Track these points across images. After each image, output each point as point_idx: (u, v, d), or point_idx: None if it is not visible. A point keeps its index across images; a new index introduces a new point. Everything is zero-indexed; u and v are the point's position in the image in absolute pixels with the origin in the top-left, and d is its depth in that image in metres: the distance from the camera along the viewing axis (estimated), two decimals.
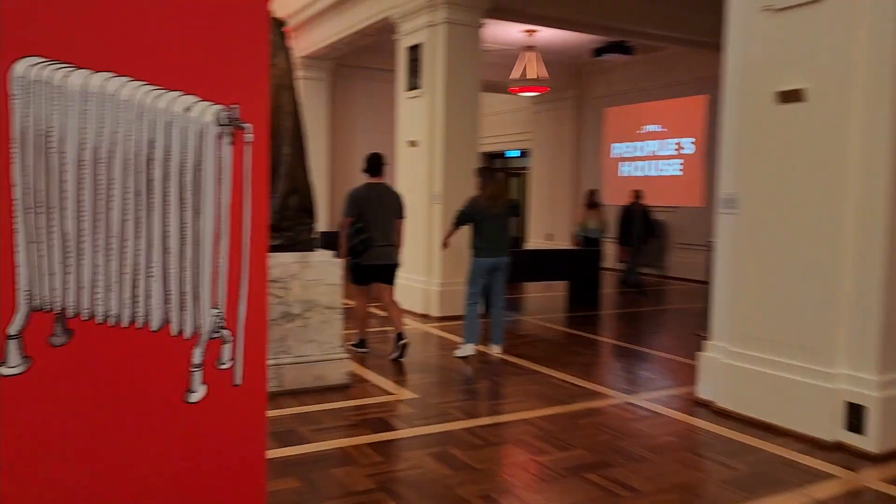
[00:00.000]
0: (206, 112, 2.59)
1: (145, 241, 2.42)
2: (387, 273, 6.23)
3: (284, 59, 4.99)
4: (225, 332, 2.72)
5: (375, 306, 7.23)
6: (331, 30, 10.96)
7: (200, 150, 2.57)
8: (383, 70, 11.73)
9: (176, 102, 2.50)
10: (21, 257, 2.06)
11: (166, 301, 2.51)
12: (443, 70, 8.04)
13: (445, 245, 6.68)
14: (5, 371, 2.04)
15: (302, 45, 12.10)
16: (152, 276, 2.45)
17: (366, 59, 12.22)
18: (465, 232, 6.35)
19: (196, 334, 2.63)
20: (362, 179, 6.18)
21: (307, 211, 5.19)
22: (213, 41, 2.68)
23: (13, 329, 2.04)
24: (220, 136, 2.65)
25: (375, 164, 6.09)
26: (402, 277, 8.86)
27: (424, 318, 8.24)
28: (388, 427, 4.39)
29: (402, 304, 8.64)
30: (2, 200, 1.99)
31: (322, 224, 10.24)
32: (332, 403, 4.80)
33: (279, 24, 5.11)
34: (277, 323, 4.91)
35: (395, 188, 6.53)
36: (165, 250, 2.49)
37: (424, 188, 8.32)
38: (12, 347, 2.04)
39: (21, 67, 2.04)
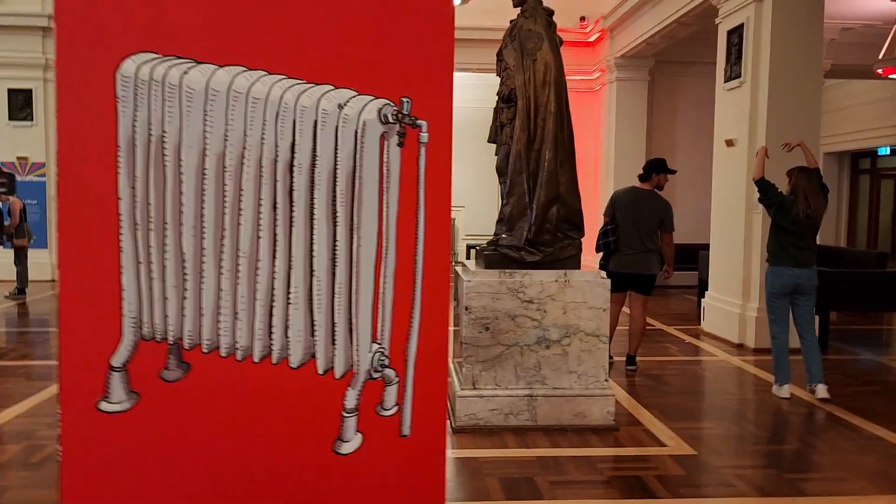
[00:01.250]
0: (367, 108, 2.18)
1: (283, 262, 2.08)
2: (638, 282, 5.71)
3: (550, 52, 4.43)
4: (389, 371, 2.28)
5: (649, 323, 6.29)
6: (648, 23, 10.08)
7: (359, 153, 2.17)
8: (708, 63, 10.45)
9: (326, 98, 2.12)
10: (127, 279, 1.85)
11: (311, 333, 2.14)
12: (768, 53, 6.70)
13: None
14: (107, 407, 1.85)
15: (618, 45, 11.39)
16: (292, 304, 2.10)
17: (688, 52, 11.03)
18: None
19: (350, 373, 2.23)
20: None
21: (572, 223, 4.57)
22: (380, 24, 2.26)
23: (117, 360, 1.84)
24: (384, 137, 2.22)
25: (645, 170, 5.78)
26: (713, 298, 7.69)
27: (738, 348, 6.97)
28: (644, 492, 3.55)
29: (713, 329, 7.52)
30: (106, 216, 1.81)
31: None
32: (588, 449, 4.10)
33: (548, 13, 4.57)
34: (532, 349, 4.37)
35: (661, 198, 5.82)
36: (311, 273, 2.12)
37: (740, 194, 7.05)
38: (116, 381, 1.85)
39: (130, 66, 1.83)
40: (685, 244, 11.02)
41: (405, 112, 2.24)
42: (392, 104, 2.23)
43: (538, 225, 4.43)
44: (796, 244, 5.00)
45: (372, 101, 2.19)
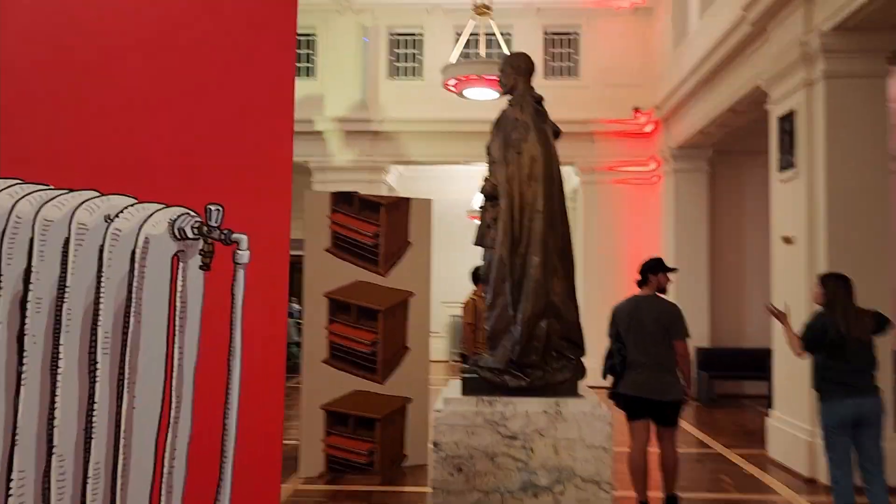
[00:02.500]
0: (151, 220, 1.64)
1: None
2: (658, 412, 4.67)
3: (538, 144, 3.85)
4: None
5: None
6: (701, 113, 9.43)
7: (136, 282, 1.61)
8: (765, 153, 9.63)
9: (85, 208, 1.59)
10: None
11: None
12: (823, 140, 5.90)
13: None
14: None
15: (673, 135, 10.74)
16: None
17: (751, 141, 10.23)
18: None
19: None
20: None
21: (569, 341, 3.85)
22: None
23: None
24: (178, 258, 1.66)
25: (642, 272, 4.89)
26: (778, 420, 6.60)
27: (809, 484, 5.84)
28: None
29: (779, 457, 6.40)
30: None
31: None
32: None
33: (535, 101, 4.03)
34: (516, 497, 3.59)
35: (665, 301, 4.87)
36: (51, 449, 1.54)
37: (803, 299, 6.09)
38: None
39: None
40: (755, 349, 9.91)
41: (214, 223, 1.69)
42: (193, 213, 1.68)
43: (524, 343, 3.73)
44: (846, 369, 4.06)
45: (161, 209, 1.64)
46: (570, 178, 13.78)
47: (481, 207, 4.09)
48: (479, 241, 4.10)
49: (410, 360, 6.27)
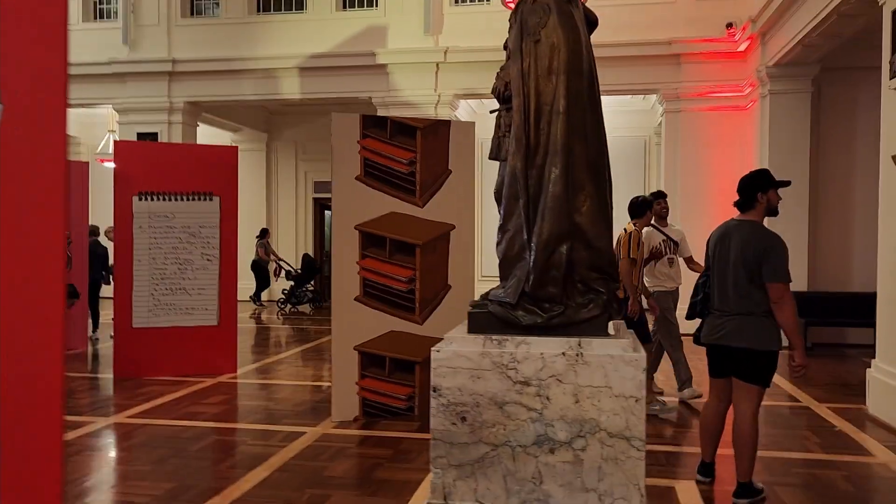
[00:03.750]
0: None
1: None
2: (737, 362, 3.81)
3: (560, 29, 3.12)
4: None
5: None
6: (802, 21, 8.18)
7: None
8: (879, 69, 8.27)
9: None
10: None
11: None
12: None
13: None
14: None
15: (770, 52, 9.48)
16: None
17: (856, 56, 8.87)
18: None
19: None
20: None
21: (600, 271, 3.18)
22: None
23: None
24: None
25: (742, 191, 3.92)
26: (881, 371, 5.67)
27: None
28: None
29: (880, 414, 5.48)
30: None
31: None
32: None
33: None
34: (529, 452, 3.01)
35: (762, 229, 3.87)
36: None
37: None
38: None
39: None
40: (864, 293, 8.76)
41: None
42: None
43: (540, 272, 3.10)
44: None
45: None
46: (654, 107, 12.65)
47: (494, 112, 3.44)
48: (494, 155, 3.47)
49: (453, 300, 5.74)
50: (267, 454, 4.57)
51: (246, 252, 15.06)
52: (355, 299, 5.48)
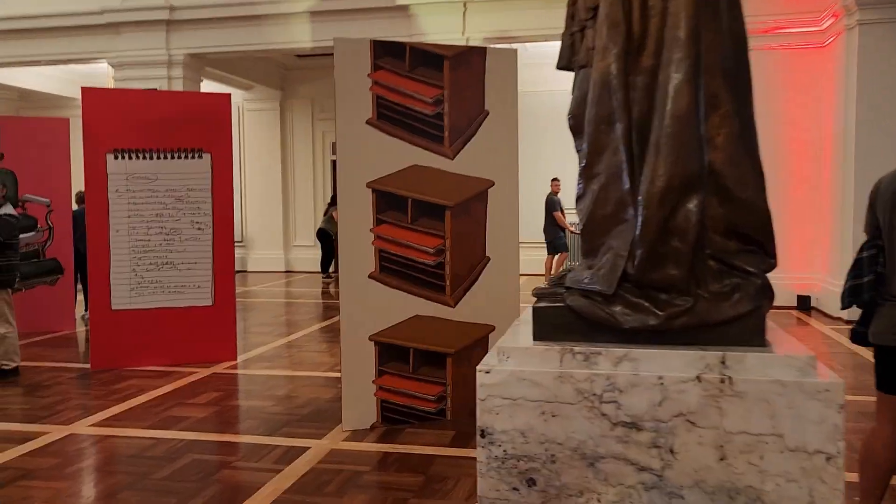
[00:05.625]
0: None
1: None
2: None
3: None
4: None
5: None
6: None
7: None
8: None
9: None
10: None
11: None
12: None
13: None
14: None
15: None
16: None
17: None
18: None
19: None
20: None
21: (747, 240, 1.96)
22: None
23: None
24: None
25: None
26: None
27: None
28: None
29: None
30: None
31: None
32: None
33: None
34: None
35: None
36: None
37: None
38: None
39: None
40: None
41: None
42: None
43: (651, 242, 1.89)
44: None
45: None
46: None
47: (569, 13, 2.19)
48: (566, 61, 2.22)
49: (492, 275, 4.57)
50: (254, 483, 3.47)
51: (254, 218, 14.09)
52: (369, 276, 4.32)
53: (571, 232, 10.73)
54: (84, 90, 5.84)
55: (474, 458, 3.81)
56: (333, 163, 14.52)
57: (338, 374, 5.67)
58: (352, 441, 4.11)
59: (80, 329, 7.87)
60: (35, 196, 7.47)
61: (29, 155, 7.40)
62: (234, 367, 6.02)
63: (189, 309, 6.01)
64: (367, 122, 4.27)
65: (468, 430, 4.29)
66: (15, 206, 7.04)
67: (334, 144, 14.26)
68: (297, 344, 7.13)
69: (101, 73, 12.22)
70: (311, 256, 14.28)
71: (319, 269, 13.40)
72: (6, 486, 3.46)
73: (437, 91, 4.38)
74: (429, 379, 4.46)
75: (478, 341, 4.56)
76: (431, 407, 4.47)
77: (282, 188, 14.36)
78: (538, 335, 2.01)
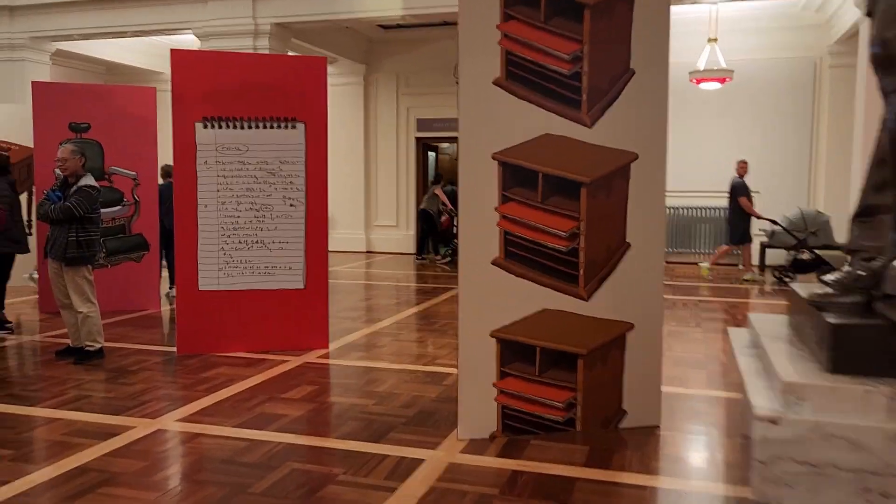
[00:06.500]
0: None
1: None
2: None
3: None
4: None
5: None
6: None
7: None
8: None
9: None
10: None
11: None
12: None
13: None
14: None
15: None
16: None
17: None
18: None
19: None
20: None
21: None
22: None
23: None
24: None
25: None
26: None
27: None
28: None
29: None
30: None
31: None
32: None
33: None
34: None
35: None
36: None
37: None
38: None
39: None
40: None
41: None
42: None
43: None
44: None
45: None
46: (831, 20, 10.06)
47: None
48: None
49: (633, 264, 3.90)
50: None
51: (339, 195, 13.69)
52: (493, 263, 3.71)
53: (760, 219, 9.74)
54: (173, 52, 5.42)
55: (620, 484, 3.20)
56: (418, 140, 14.00)
57: (441, 370, 5.13)
58: (471, 454, 3.54)
59: (165, 308, 7.60)
60: (122, 169, 7.19)
61: (116, 126, 7.11)
62: (326, 356, 5.55)
63: (279, 292, 5.56)
64: (495, 83, 3.64)
65: (603, 445, 3.66)
66: (100, 179, 6.75)
67: (419, 121, 13.75)
68: (390, 332, 6.62)
69: (187, 45, 11.99)
70: (392, 237, 13.87)
71: (412, 251, 13.02)
72: (87, 494, 3.03)
73: (575, 46, 3.71)
74: (557, 383, 3.84)
75: (613, 341, 3.91)
76: (559, 416, 3.86)
77: (364, 166, 13.93)
78: (840, 366, 1.35)
